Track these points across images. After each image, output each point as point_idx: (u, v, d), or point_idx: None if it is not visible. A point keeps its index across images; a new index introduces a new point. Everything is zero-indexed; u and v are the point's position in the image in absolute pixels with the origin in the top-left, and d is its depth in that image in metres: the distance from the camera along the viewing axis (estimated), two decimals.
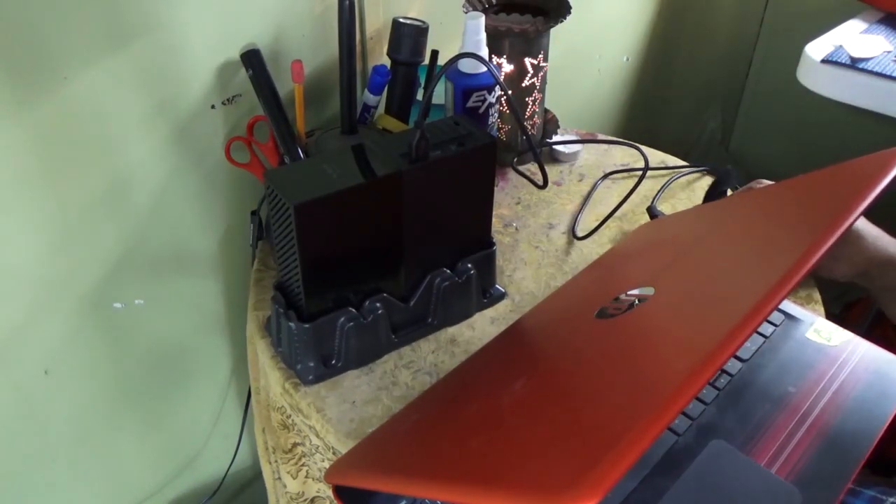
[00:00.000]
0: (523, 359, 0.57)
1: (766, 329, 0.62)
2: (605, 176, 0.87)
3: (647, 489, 0.50)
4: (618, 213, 0.80)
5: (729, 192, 0.80)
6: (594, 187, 0.85)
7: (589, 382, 0.42)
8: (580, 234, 0.78)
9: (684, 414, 0.55)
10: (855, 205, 0.44)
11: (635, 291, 0.53)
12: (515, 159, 0.87)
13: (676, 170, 0.87)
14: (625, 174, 0.87)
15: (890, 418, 0.54)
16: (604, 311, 0.53)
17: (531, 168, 0.87)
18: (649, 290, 0.51)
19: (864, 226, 0.67)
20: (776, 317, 0.64)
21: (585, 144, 0.91)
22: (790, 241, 0.44)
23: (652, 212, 0.79)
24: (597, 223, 0.79)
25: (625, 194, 0.82)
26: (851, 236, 0.66)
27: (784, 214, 0.56)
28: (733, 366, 0.59)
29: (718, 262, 0.53)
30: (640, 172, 0.85)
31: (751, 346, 0.61)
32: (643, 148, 0.89)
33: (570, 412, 0.39)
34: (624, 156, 0.91)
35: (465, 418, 0.49)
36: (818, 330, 0.62)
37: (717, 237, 0.59)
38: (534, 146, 0.69)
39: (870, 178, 0.46)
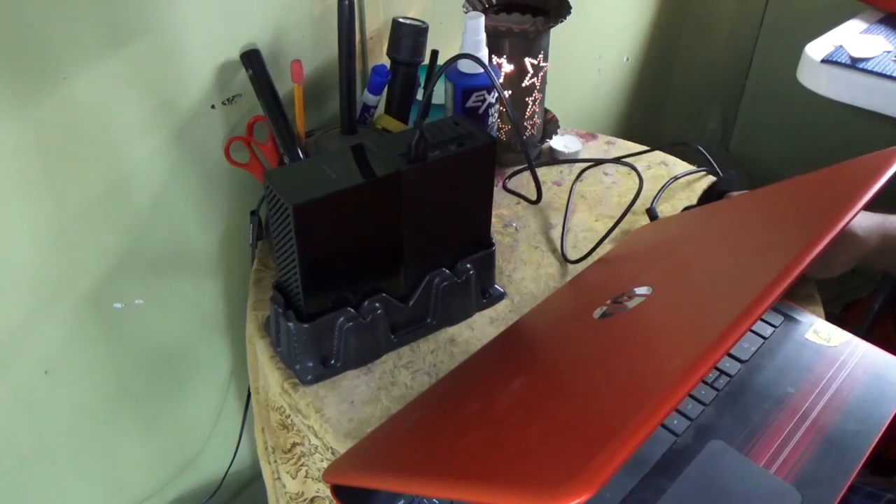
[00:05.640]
0: (522, 358, 0.57)
1: (766, 330, 0.62)
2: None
3: (645, 489, 0.50)
4: (616, 214, 0.80)
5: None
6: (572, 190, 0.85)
7: (586, 380, 0.43)
8: (572, 257, 0.75)
9: (684, 415, 0.55)
10: (852, 204, 0.44)
11: (634, 291, 0.53)
12: (507, 179, 0.85)
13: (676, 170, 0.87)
14: (625, 173, 0.87)
15: (889, 419, 0.54)
16: (602, 310, 0.53)
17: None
18: (647, 290, 0.51)
19: (854, 222, 0.61)
20: (775, 318, 0.64)
21: (586, 144, 0.91)
22: (787, 241, 0.44)
23: (651, 213, 0.79)
24: (595, 221, 0.79)
25: (623, 194, 0.82)
26: (845, 238, 0.62)
27: (782, 214, 0.56)
28: (732, 366, 0.59)
29: (716, 263, 0.53)
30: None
31: (750, 346, 0.61)
32: (639, 167, 0.87)
33: (567, 409, 0.39)
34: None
35: (463, 417, 0.49)
36: (817, 331, 0.62)
37: (716, 238, 0.59)
38: (531, 160, 0.68)
39: (867, 178, 0.46)
